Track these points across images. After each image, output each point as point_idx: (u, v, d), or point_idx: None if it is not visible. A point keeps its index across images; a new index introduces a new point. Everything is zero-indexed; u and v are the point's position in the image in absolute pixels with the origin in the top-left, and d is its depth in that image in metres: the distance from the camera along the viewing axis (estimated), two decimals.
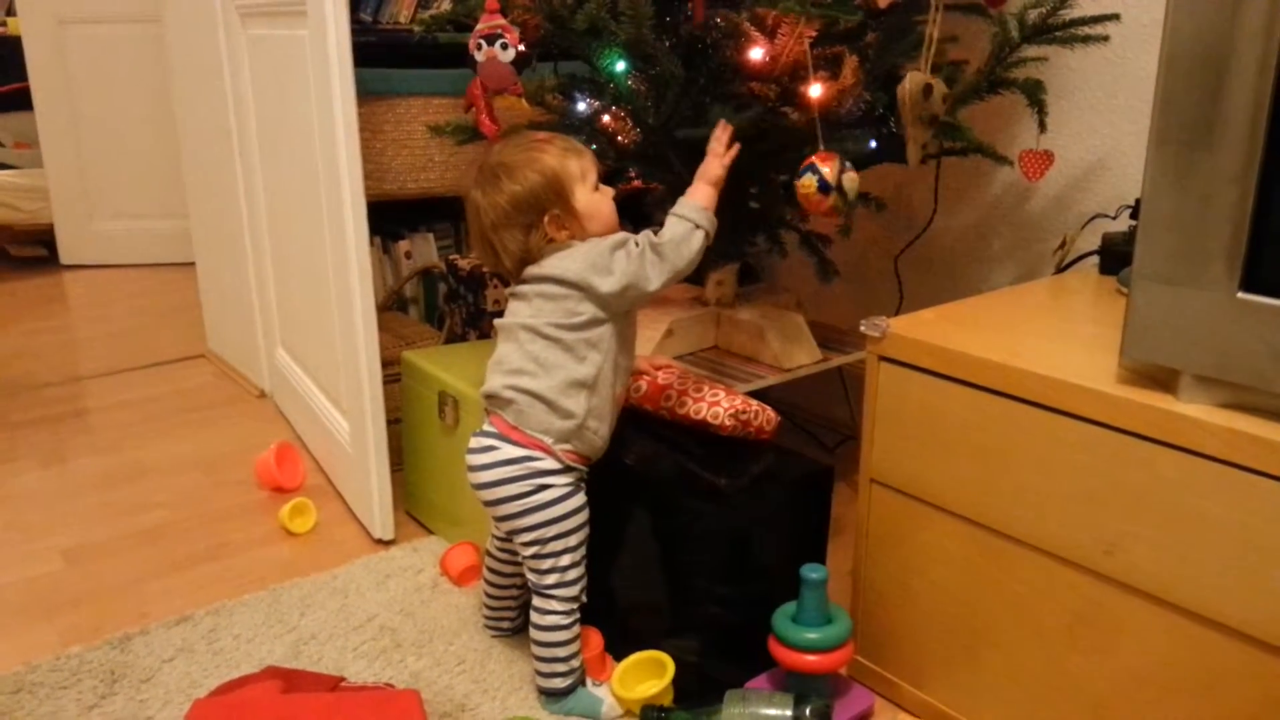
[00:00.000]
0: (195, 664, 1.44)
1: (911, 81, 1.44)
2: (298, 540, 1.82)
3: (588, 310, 1.29)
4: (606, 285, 1.27)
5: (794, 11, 1.37)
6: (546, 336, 1.29)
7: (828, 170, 1.39)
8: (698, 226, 1.31)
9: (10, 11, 4.06)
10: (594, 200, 1.33)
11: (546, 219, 1.31)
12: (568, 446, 1.31)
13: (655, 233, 1.32)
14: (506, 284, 2.04)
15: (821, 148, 1.42)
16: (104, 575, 1.69)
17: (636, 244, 1.30)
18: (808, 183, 1.40)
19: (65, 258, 3.77)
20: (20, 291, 3.51)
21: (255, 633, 1.51)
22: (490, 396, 1.33)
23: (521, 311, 1.32)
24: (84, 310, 3.33)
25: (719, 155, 1.37)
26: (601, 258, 1.28)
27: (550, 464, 1.30)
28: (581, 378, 1.30)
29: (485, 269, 2.10)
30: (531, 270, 1.32)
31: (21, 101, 3.82)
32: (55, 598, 1.63)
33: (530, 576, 1.34)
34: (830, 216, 1.45)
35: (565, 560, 1.31)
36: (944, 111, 1.49)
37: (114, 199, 3.74)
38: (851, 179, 1.41)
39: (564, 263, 1.29)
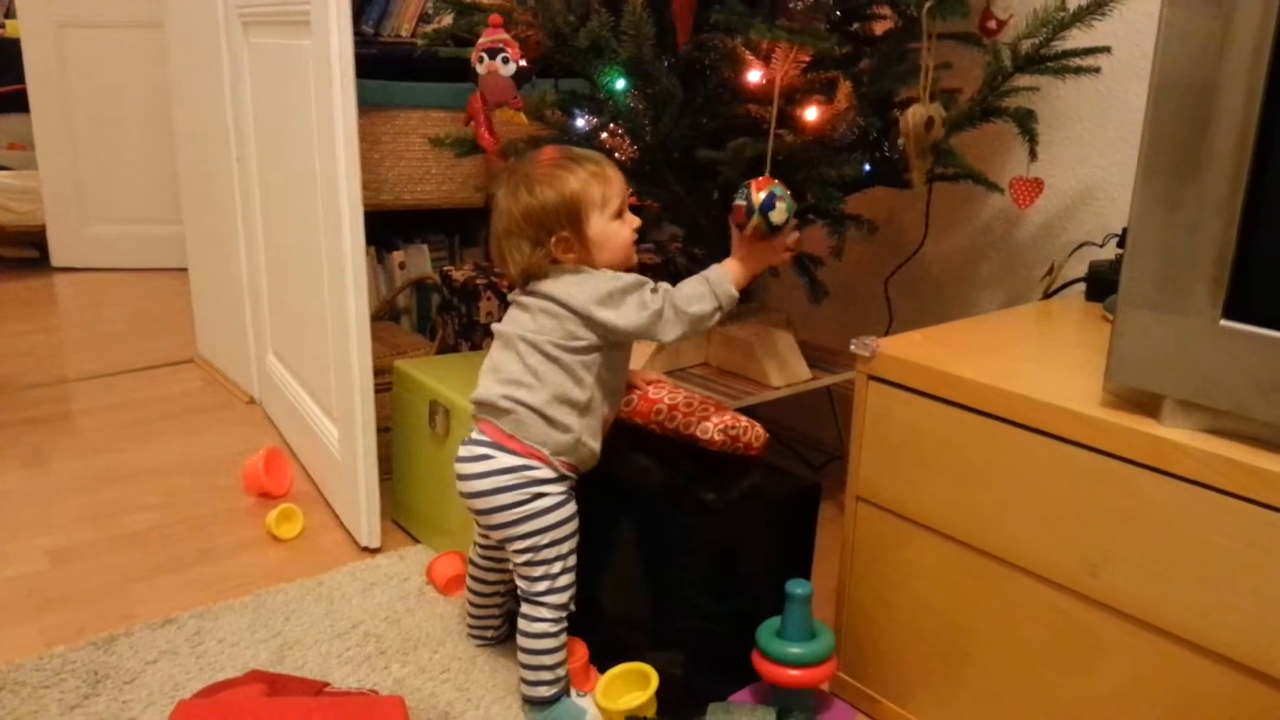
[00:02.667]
0: (179, 666, 1.44)
1: (914, 116, 1.46)
2: (284, 546, 1.82)
3: (588, 337, 1.30)
4: (614, 319, 1.28)
5: (765, 37, 1.39)
6: (545, 353, 1.30)
7: (756, 195, 1.38)
8: (720, 309, 1.33)
9: (9, 14, 4.07)
10: (609, 229, 1.33)
11: (554, 239, 1.31)
12: (564, 458, 1.33)
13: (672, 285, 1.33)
14: (501, 296, 2.06)
15: (767, 173, 1.42)
16: (89, 577, 1.69)
17: (654, 291, 1.30)
18: (739, 202, 1.40)
19: (56, 260, 3.76)
20: (9, 293, 3.50)
21: (240, 637, 1.51)
22: (485, 404, 1.34)
23: (523, 322, 1.33)
24: (73, 313, 3.32)
25: (776, 250, 1.39)
26: (612, 298, 1.28)
27: (547, 473, 1.31)
28: (575, 398, 1.31)
29: (479, 282, 2.11)
30: (538, 286, 1.32)
31: (17, 103, 3.82)
32: (39, 597, 1.62)
33: (521, 584, 1.34)
34: (755, 236, 1.42)
35: (557, 568, 1.32)
36: (944, 137, 1.51)
37: (107, 202, 3.74)
38: (780, 211, 1.36)
39: (571, 290, 1.29)
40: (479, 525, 1.40)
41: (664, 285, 1.33)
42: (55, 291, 3.56)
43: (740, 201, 1.39)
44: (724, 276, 1.34)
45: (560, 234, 1.31)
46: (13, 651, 1.47)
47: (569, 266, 1.32)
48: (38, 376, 2.66)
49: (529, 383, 1.30)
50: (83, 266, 3.77)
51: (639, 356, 1.74)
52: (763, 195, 1.35)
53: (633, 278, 1.31)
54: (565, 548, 1.33)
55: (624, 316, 1.29)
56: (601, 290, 1.28)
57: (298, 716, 1.23)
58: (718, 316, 1.34)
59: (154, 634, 1.51)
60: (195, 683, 1.40)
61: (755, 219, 1.35)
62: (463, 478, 1.33)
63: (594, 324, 1.29)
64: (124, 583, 1.68)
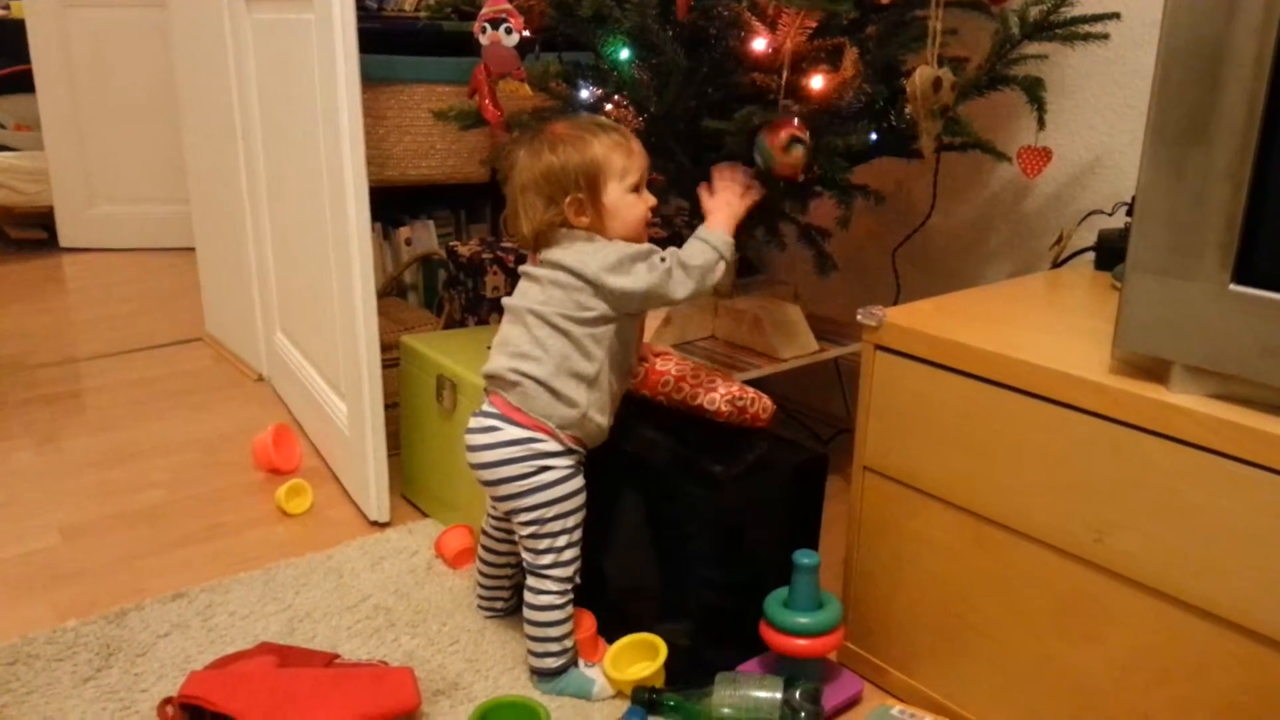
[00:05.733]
0: (190, 639, 1.45)
1: (921, 76, 1.45)
2: (293, 521, 1.83)
3: (598, 307, 1.30)
4: (627, 284, 1.28)
5: (782, 1, 1.38)
6: (553, 325, 1.30)
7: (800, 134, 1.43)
8: (722, 258, 1.33)
9: None
10: (624, 201, 1.33)
11: (568, 200, 1.30)
12: (570, 431, 1.33)
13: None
14: (507, 271, 2.06)
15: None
16: (100, 552, 1.70)
17: (663, 259, 1.30)
18: (797, 155, 1.43)
19: (65, 240, 3.77)
20: (19, 273, 3.51)
21: (250, 610, 1.52)
22: (493, 377, 1.34)
23: (532, 294, 1.33)
24: (82, 293, 3.33)
25: (740, 196, 1.40)
26: (622, 264, 1.28)
27: (552, 445, 1.31)
28: (583, 371, 1.31)
29: (485, 257, 2.11)
30: (549, 255, 1.32)
31: (23, 84, 3.82)
32: (51, 573, 1.64)
33: (526, 556, 1.35)
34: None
35: (562, 541, 1.32)
36: (953, 100, 1.50)
37: (114, 183, 3.74)
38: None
39: (582, 258, 1.29)
40: (488, 496, 1.41)
41: (670, 249, 1.33)
42: (64, 272, 3.57)
43: (756, 158, 1.42)
44: (711, 230, 1.35)
45: (576, 195, 1.30)
46: (26, 625, 1.48)
47: (581, 234, 1.31)
48: (48, 356, 2.67)
49: (536, 355, 1.30)
50: (91, 247, 3.78)
51: (645, 329, 1.74)
52: (778, 142, 1.41)
53: (643, 246, 1.32)
54: (571, 521, 1.33)
55: (636, 280, 1.28)
56: (612, 258, 1.28)
57: (308, 687, 1.24)
58: (722, 265, 1.33)
59: (165, 608, 1.52)
60: (206, 655, 1.41)
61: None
62: (471, 449, 1.34)
63: (605, 292, 1.28)
64: (135, 558, 1.69)
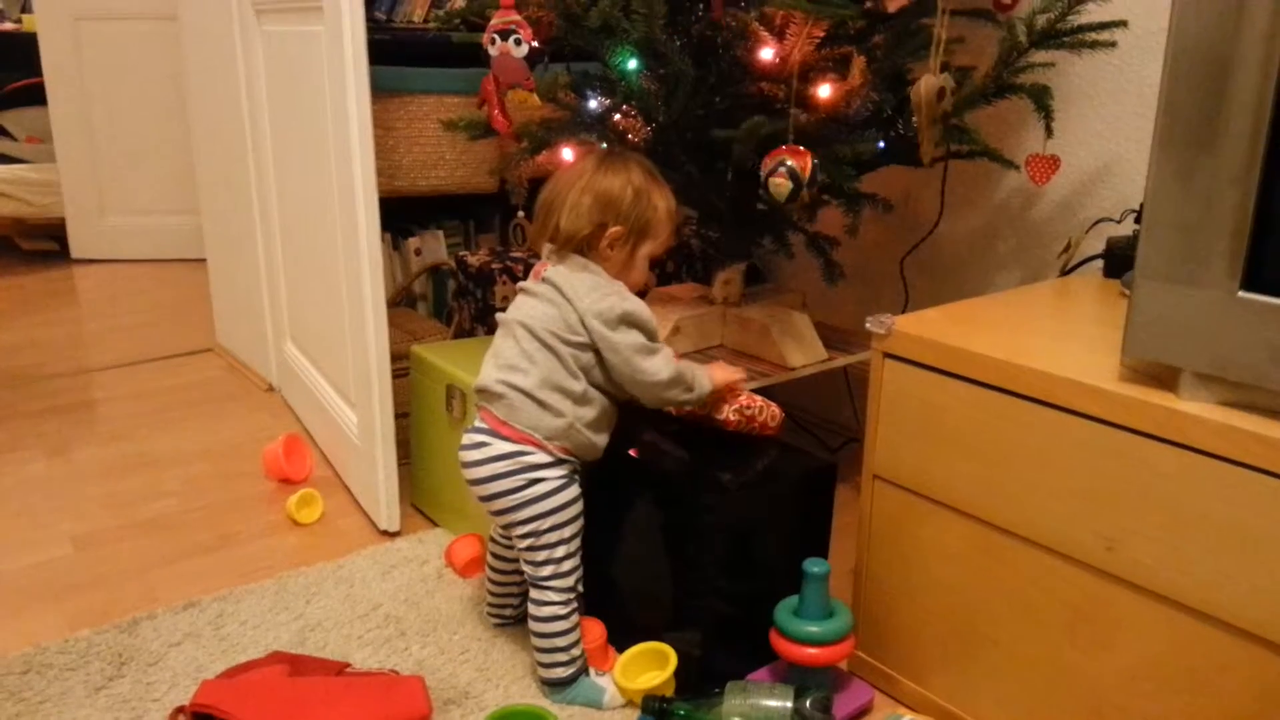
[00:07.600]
0: (202, 648, 1.46)
1: (926, 85, 1.45)
2: (304, 531, 1.83)
3: (584, 334, 1.31)
4: (610, 339, 1.30)
5: (789, 7, 1.39)
6: (541, 340, 1.31)
7: (767, 161, 1.43)
8: (694, 392, 1.36)
9: (26, 8, 4.09)
10: (643, 264, 1.38)
11: (614, 230, 1.33)
12: (558, 442, 1.33)
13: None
14: (516, 281, 2.06)
15: (791, 141, 1.45)
16: (112, 562, 1.71)
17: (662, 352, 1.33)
18: (781, 181, 1.44)
19: (76, 252, 3.79)
20: (30, 285, 3.53)
21: (262, 619, 1.53)
22: (482, 390, 1.35)
23: (526, 308, 1.34)
24: (93, 304, 3.35)
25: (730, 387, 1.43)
26: (617, 323, 1.30)
27: (542, 458, 1.32)
28: (568, 387, 1.32)
29: (495, 267, 2.11)
30: (552, 274, 1.33)
31: (35, 97, 3.84)
32: (63, 582, 1.64)
33: (526, 568, 1.35)
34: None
35: (560, 552, 1.33)
36: (957, 111, 1.50)
37: (125, 194, 3.76)
38: (775, 185, 1.44)
39: (578, 290, 1.31)
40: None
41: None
42: (75, 283, 3.59)
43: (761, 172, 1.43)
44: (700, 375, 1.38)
45: (622, 229, 1.33)
46: (39, 634, 1.49)
47: (593, 266, 1.33)
48: (60, 367, 2.69)
49: (523, 366, 1.31)
50: (102, 258, 3.80)
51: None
52: (768, 165, 1.41)
53: (650, 321, 1.34)
54: (568, 531, 1.33)
55: (619, 349, 1.31)
56: (611, 311, 1.30)
57: (319, 696, 1.25)
58: (689, 397, 1.36)
59: (177, 617, 1.53)
60: (218, 664, 1.41)
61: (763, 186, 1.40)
62: (464, 465, 1.35)
63: (593, 331, 1.31)
64: (147, 567, 1.69)
